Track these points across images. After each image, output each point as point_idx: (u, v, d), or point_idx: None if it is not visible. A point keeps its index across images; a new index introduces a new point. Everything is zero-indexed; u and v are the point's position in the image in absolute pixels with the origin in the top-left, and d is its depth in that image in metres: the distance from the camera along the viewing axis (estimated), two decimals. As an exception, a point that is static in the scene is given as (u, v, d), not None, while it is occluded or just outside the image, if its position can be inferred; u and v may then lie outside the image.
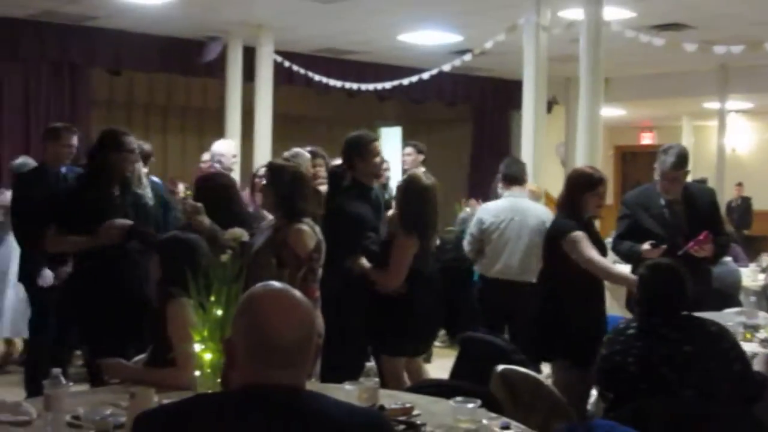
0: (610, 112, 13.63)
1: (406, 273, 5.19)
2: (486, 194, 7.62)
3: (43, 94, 10.67)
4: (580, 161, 7.57)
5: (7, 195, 7.66)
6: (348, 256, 5.26)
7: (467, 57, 9.75)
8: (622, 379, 3.88)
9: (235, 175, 7.85)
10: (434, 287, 5.41)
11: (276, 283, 2.11)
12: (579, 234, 4.96)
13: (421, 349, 5.53)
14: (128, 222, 4.89)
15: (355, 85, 11.36)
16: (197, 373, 3.20)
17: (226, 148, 7.81)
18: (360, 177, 5.44)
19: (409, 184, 5.31)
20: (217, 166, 7.65)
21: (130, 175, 5.25)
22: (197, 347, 3.19)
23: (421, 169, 6.45)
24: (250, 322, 2.01)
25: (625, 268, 5.73)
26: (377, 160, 5.49)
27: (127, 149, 5.10)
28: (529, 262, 6.28)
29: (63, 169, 6.27)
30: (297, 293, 2.07)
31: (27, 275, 6.42)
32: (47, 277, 6.21)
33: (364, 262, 5.27)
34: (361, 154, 5.42)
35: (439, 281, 5.50)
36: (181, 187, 9.07)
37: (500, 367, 4.21)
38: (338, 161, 6.56)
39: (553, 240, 5.11)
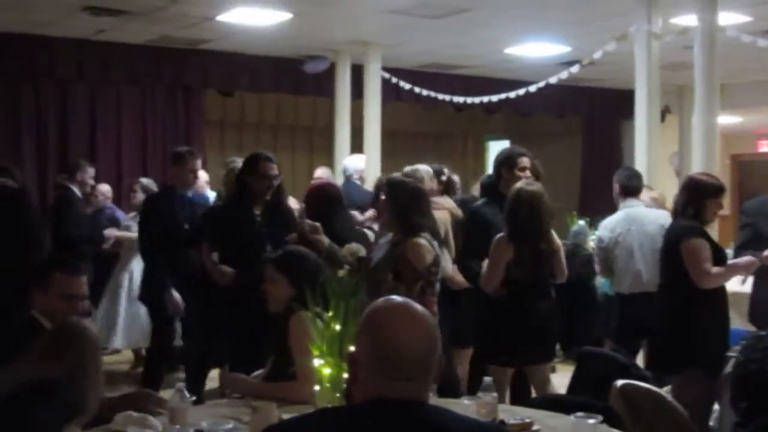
0: (726, 119, 13.25)
1: (495, 276, 5.22)
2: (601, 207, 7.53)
3: (159, 115, 11.01)
4: (696, 171, 7.38)
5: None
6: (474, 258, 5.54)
7: (575, 68, 9.63)
8: (759, 386, 3.76)
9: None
10: (532, 299, 5.31)
11: (398, 297, 2.12)
12: (700, 242, 4.91)
13: (514, 359, 5.37)
14: (233, 274, 5.43)
15: (462, 99, 11.33)
16: (317, 387, 3.23)
17: (364, 164, 8.07)
18: (503, 188, 5.60)
19: (512, 193, 5.33)
20: (358, 182, 7.85)
21: (270, 199, 5.66)
22: (316, 362, 3.22)
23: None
24: (373, 336, 2.02)
25: (737, 279, 5.65)
26: (521, 173, 5.64)
27: (262, 174, 5.57)
28: (657, 270, 6.16)
29: (190, 194, 6.45)
30: (419, 307, 2.07)
31: (150, 296, 6.52)
32: (177, 301, 6.15)
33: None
34: (509, 167, 5.68)
35: (543, 294, 5.41)
36: (294, 203, 9.24)
37: (620, 382, 4.13)
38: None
39: (675, 245, 5.03)
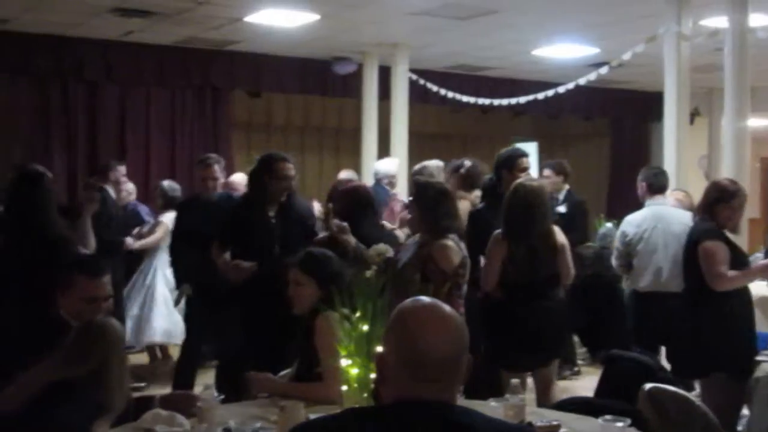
0: (756, 122, 13.12)
1: (491, 274, 5.15)
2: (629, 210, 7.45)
3: (188, 117, 11.09)
4: (725, 174, 7.32)
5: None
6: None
7: (604, 70, 9.57)
8: None
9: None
10: (527, 300, 5.19)
11: (426, 298, 2.10)
12: (715, 244, 4.91)
13: (510, 363, 5.22)
14: (254, 266, 5.30)
15: (488, 101, 11.29)
16: (344, 387, 3.23)
17: (396, 169, 8.07)
18: (504, 190, 5.48)
19: (511, 189, 5.23)
20: (388, 188, 7.83)
21: (284, 200, 5.54)
22: (344, 362, 3.22)
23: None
24: (401, 336, 2.01)
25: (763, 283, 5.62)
26: (522, 174, 5.58)
27: (279, 175, 5.44)
28: (679, 271, 6.10)
29: (216, 196, 6.50)
30: (447, 308, 2.06)
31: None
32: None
33: None
34: (509, 168, 5.65)
35: (540, 295, 5.25)
36: (317, 206, 9.23)
37: (648, 386, 4.10)
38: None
39: (693, 247, 5.05)
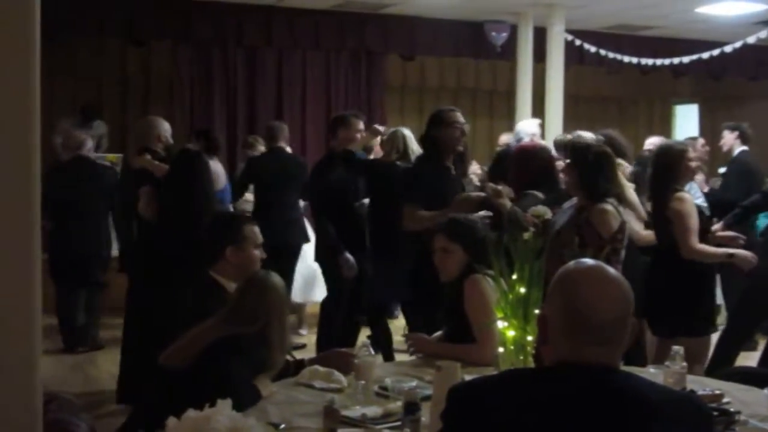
0: None
1: None
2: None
3: (342, 81, 11.25)
4: None
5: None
6: None
7: (775, 27, 9.11)
8: None
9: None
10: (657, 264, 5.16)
11: (590, 260, 2.08)
12: None
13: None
14: (481, 195, 5.16)
15: (650, 61, 10.92)
16: (500, 349, 3.22)
17: (537, 129, 7.99)
18: None
19: None
20: None
21: (462, 149, 5.59)
22: (500, 324, 3.21)
23: None
24: (566, 299, 1.98)
25: None
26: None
27: (449, 123, 5.45)
28: None
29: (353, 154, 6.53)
30: (612, 271, 2.02)
31: (324, 257, 6.53)
32: (351, 264, 6.19)
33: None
34: None
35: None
36: (475, 167, 9.20)
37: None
38: None
39: None
